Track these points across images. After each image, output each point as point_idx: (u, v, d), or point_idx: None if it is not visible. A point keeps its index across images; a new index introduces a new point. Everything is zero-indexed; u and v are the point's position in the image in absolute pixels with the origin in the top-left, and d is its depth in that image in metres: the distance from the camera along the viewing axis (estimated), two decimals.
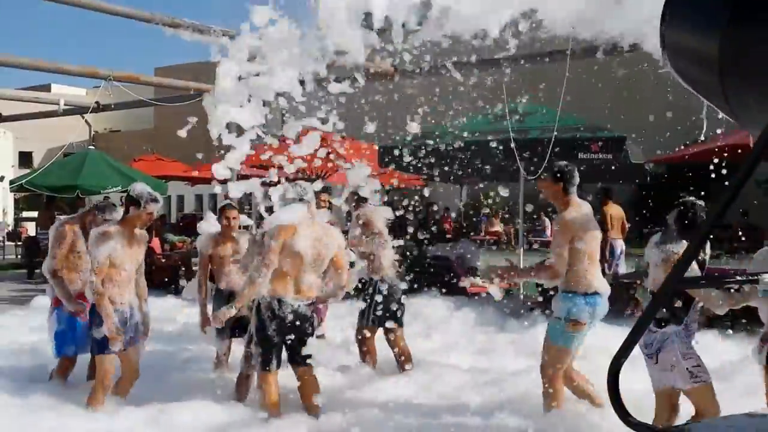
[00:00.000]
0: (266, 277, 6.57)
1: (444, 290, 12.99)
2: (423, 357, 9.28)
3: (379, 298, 8.41)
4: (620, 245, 14.34)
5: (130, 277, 7.12)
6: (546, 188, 6.81)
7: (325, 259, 6.84)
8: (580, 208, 6.66)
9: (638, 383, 6.93)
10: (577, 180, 6.73)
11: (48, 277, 7.95)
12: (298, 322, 6.69)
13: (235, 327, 7.93)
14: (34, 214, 31.59)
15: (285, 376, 7.25)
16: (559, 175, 6.70)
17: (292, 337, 6.71)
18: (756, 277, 2.29)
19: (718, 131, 10.81)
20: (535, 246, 24.58)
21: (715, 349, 9.42)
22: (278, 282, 6.65)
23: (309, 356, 6.85)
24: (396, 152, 13.89)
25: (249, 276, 6.64)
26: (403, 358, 8.61)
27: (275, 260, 6.58)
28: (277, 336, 6.69)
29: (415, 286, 13.51)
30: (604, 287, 6.60)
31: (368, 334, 8.58)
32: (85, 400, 7.02)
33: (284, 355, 6.87)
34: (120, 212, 8.00)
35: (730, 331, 10.46)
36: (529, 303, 13.00)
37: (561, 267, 6.46)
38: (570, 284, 6.49)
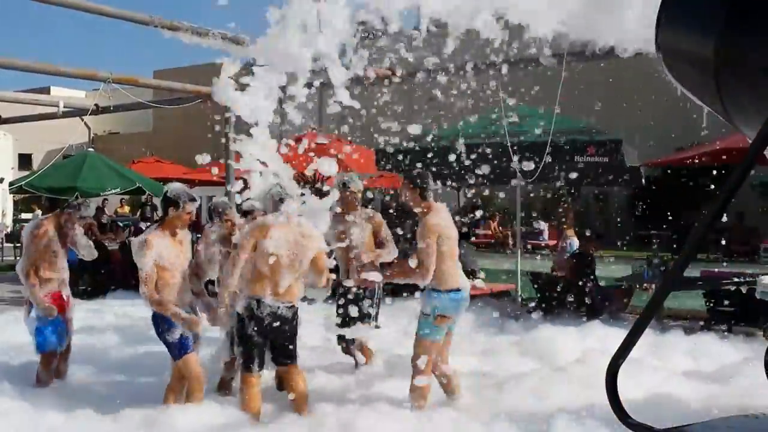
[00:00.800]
0: (235, 275, 6.63)
1: None
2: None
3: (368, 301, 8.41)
4: (576, 243, 14.65)
5: (184, 277, 7.07)
6: (406, 194, 7.14)
7: (302, 261, 6.76)
8: (438, 212, 7.04)
9: (639, 389, 6.96)
10: (432, 185, 7.11)
11: (21, 277, 8.01)
12: (277, 324, 6.68)
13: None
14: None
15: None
16: (416, 181, 7.07)
17: (274, 338, 6.72)
18: (754, 279, 2.29)
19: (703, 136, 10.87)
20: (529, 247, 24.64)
21: (714, 351, 9.50)
22: (256, 282, 6.66)
23: (292, 357, 6.89)
24: (393, 155, 13.95)
25: (222, 279, 6.71)
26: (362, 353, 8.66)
27: (243, 258, 6.62)
28: (257, 336, 6.65)
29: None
30: (465, 284, 7.12)
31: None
32: (161, 400, 7.06)
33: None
34: (93, 208, 8.10)
35: (729, 333, 10.49)
36: (527, 305, 13.08)
37: (431, 267, 6.81)
38: (436, 282, 6.89)
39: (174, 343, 6.88)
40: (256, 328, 6.63)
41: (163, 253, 6.83)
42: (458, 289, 7.01)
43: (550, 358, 9.03)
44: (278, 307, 6.67)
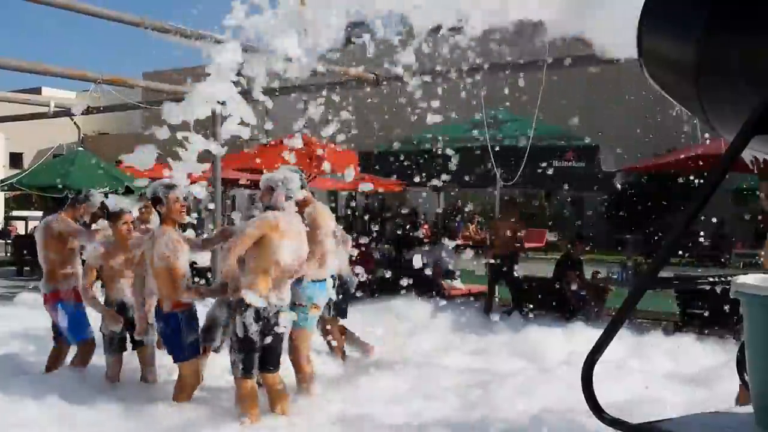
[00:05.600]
0: (231, 262, 6.38)
1: (421, 292, 13.20)
2: (409, 357, 9.32)
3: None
4: None
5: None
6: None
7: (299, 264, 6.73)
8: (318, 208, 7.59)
9: (623, 392, 6.88)
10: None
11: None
12: (278, 324, 6.51)
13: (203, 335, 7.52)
14: (24, 213, 31.74)
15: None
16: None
17: (270, 339, 6.50)
18: (728, 279, 2.28)
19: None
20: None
21: (692, 353, 9.55)
22: (262, 283, 6.42)
23: (278, 363, 6.71)
24: (375, 158, 14.19)
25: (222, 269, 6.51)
26: (336, 345, 8.90)
27: (243, 248, 6.40)
28: (259, 339, 6.43)
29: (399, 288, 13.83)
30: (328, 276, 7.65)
31: (329, 326, 8.72)
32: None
33: None
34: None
35: (702, 335, 10.57)
36: (503, 306, 13.32)
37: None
38: (314, 273, 7.27)
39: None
40: (259, 331, 6.41)
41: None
42: (324, 279, 7.52)
43: (535, 359, 9.16)
44: (281, 306, 6.53)
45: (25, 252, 19.72)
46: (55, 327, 8.27)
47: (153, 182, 7.16)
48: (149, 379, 7.80)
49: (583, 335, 9.84)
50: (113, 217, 7.68)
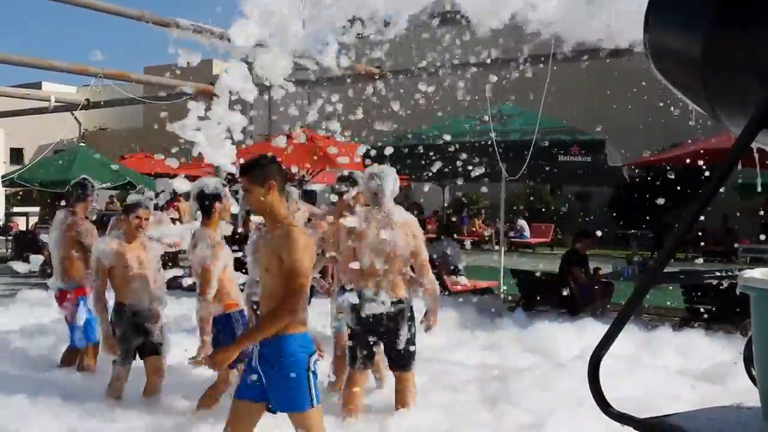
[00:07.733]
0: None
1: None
2: (420, 352, 9.25)
3: None
4: None
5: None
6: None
7: (400, 255, 6.46)
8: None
9: (631, 387, 6.97)
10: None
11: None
12: (380, 321, 6.43)
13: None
14: (25, 209, 31.67)
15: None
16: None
17: (381, 336, 6.50)
18: (735, 274, 2.28)
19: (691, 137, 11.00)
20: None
21: (699, 348, 9.52)
22: (359, 278, 6.48)
23: (403, 361, 6.61)
24: (381, 152, 14.09)
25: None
26: None
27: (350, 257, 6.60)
28: (361, 332, 6.48)
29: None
30: None
31: None
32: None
33: None
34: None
35: (709, 330, 10.52)
36: (514, 302, 13.31)
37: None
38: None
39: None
40: (356, 323, 6.49)
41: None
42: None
43: (548, 353, 9.22)
44: (381, 302, 6.39)
45: (25, 250, 19.71)
46: (71, 326, 8.19)
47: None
48: (154, 392, 7.28)
49: (594, 330, 9.84)
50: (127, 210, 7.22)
